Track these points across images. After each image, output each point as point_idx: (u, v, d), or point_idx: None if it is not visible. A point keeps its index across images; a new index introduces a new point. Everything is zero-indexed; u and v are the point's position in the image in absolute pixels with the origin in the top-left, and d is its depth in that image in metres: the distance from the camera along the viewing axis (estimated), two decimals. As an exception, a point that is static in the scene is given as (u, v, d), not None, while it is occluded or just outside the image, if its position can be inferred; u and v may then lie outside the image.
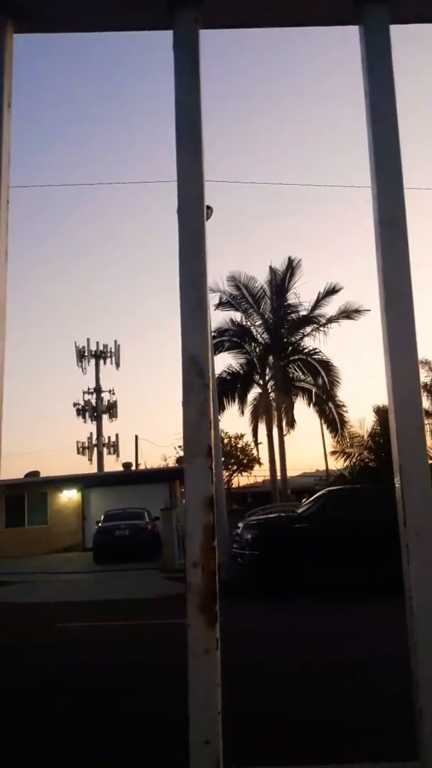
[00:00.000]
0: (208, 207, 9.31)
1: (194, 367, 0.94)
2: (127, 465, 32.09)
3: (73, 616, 10.08)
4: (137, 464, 34.52)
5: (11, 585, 14.72)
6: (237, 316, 25.16)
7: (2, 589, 13.89)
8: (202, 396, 0.93)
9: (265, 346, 25.17)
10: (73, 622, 9.50)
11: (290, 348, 25.34)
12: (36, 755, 4.07)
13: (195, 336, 0.95)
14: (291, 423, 25.04)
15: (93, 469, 33.53)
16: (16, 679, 5.79)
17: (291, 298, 25.09)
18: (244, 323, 25.24)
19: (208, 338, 1.01)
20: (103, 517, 21.19)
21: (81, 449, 35.28)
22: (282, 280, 25.07)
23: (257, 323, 25.25)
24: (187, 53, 1.04)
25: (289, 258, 25.08)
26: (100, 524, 20.59)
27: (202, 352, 0.95)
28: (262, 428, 25.40)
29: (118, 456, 35.35)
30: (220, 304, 24.75)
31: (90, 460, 34.91)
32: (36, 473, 27.37)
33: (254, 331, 25.35)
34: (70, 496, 25.91)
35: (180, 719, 0.90)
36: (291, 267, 24.89)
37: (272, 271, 25.15)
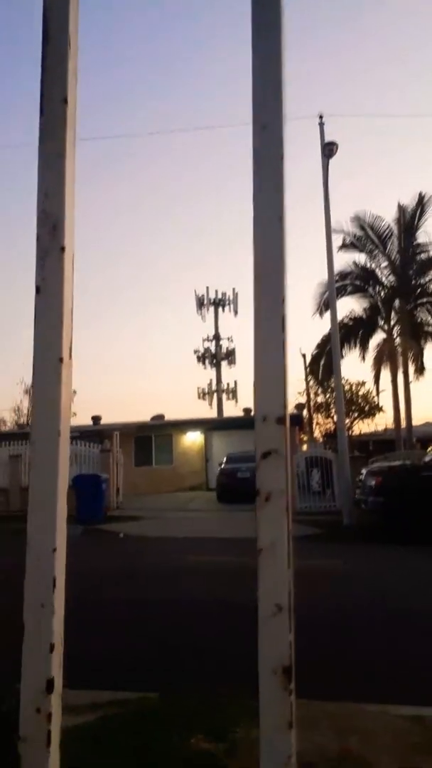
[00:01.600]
0: (333, 143, 8.83)
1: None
2: (247, 410, 32.64)
3: (200, 551, 10.65)
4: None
5: (143, 519, 15.76)
6: (361, 258, 24.22)
7: (135, 524, 14.93)
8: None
9: (390, 288, 24.11)
10: (199, 556, 10.05)
11: (419, 290, 24.08)
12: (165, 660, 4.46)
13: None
14: (420, 369, 24.07)
15: (213, 413, 34.52)
16: (157, 603, 6.32)
17: (421, 237, 23.67)
18: (368, 265, 24.27)
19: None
20: (225, 458, 21.89)
21: (201, 395, 36.39)
22: (411, 218, 23.65)
23: (383, 265, 24.18)
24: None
25: (420, 194, 23.54)
26: (222, 466, 21.32)
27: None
28: (385, 375, 24.69)
29: (236, 401, 36.06)
30: (343, 246, 23.90)
31: (210, 405, 35.96)
32: (161, 416, 28.68)
33: (379, 273, 24.32)
34: (193, 439, 26.94)
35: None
36: (421, 203, 23.37)
37: (401, 208, 23.77)
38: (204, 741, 3.18)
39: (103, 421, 26.57)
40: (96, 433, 22.21)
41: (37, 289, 0.99)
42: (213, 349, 36.72)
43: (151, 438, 26.50)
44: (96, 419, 27.00)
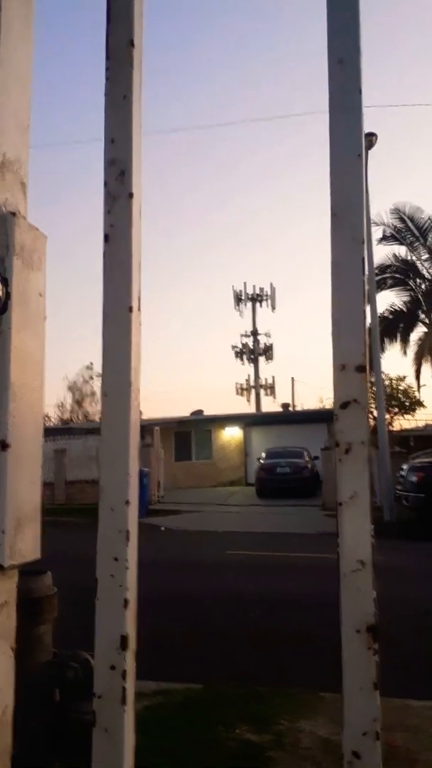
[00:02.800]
0: (372, 134, 8.68)
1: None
2: (285, 405, 32.53)
3: (241, 546, 10.63)
4: (294, 405, 34.85)
5: (183, 513, 15.85)
6: (401, 250, 23.76)
7: (175, 517, 15.03)
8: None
9: (431, 281, 23.61)
10: (240, 550, 10.03)
11: (461, 283, 23.53)
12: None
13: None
14: (464, 364, 23.52)
15: (251, 409, 34.50)
16: (197, 596, 6.33)
17: (462, 228, 23.09)
18: (408, 258, 23.79)
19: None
20: (264, 454, 21.81)
21: (240, 390, 36.41)
22: (452, 208, 23.09)
23: (423, 257, 23.66)
24: None
25: (461, 183, 22.97)
26: (262, 461, 21.26)
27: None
28: (426, 370, 24.19)
29: (275, 397, 35.98)
30: (383, 239, 23.49)
31: (248, 400, 35.95)
32: (200, 412, 28.77)
33: (420, 265, 23.81)
34: (232, 434, 26.94)
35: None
36: (463, 193, 22.83)
37: (441, 199, 23.25)
38: (249, 732, 3.15)
39: (143, 417, 26.82)
40: (136, 429, 22.38)
41: (106, 237, 0.96)
42: (251, 344, 36.68)
43: (190, 433, 26.60)
44: (135, 415, 27.21)
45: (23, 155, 0.99)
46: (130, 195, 0.96)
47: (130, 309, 0.95)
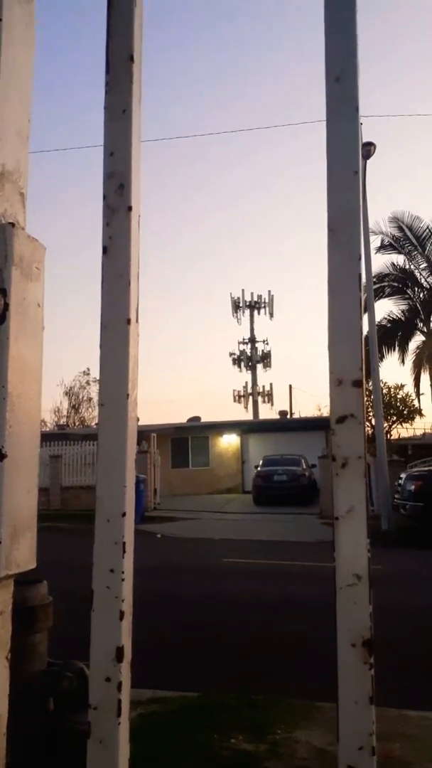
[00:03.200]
0: (370, 143, 8.74)
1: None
2: (283, 413, 32.51)
3: (237, 553, 10.60)
4: (291, 413, 34.86)
5: (180, 521, 15.81)
6: (399, 259, 23.83)
7: (172, 524, 14.99)
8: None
9: (429, 290, 23.66)
10: (237, 558, 10.00)
11: (459, 292, 23.59)
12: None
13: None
14: (460, 373, 23.55)
15: (248, 416, 34.49)
16: (192, 601, 6.31)
17: (460, 238, 23.16)
18: (406, 267, 23.86)
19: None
20: (261, 461, 21.79)
21: (237, 397, 36.42)
22: (451, 218, 23.19)
23: (422, 266, 23.73)
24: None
25: (459, 193, 23.09)
26: (259, 468, 21.23)
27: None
28: (425, 378, 24.22)
29: (272, 404, 35.98)
30: (382, 247, 23.56)
31: (246, 408, 35.97)
32: (197, 418, 28.75)
33: (418, 274, 23.88)
34: (229, 441, 26.92)
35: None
36: (461, 203, 22.94)
37: (439, 208, 23.36)
38: (245, 741, 3.14)
39: (140, 423, 26.77)
40: (133, 435, 22.34)
41: (104, 249, 0.97)
42: (248, 351, 36.71)
43: (187, 440, 26.57)
44: (132, 421, 27.17)
45: (22, 166, 1.00)
46: (129, 208, 0.97)
47: (128, 321, 0.95)
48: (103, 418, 0.94)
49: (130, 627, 0.90)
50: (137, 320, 0.97)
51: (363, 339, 0.90)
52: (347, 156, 0.90)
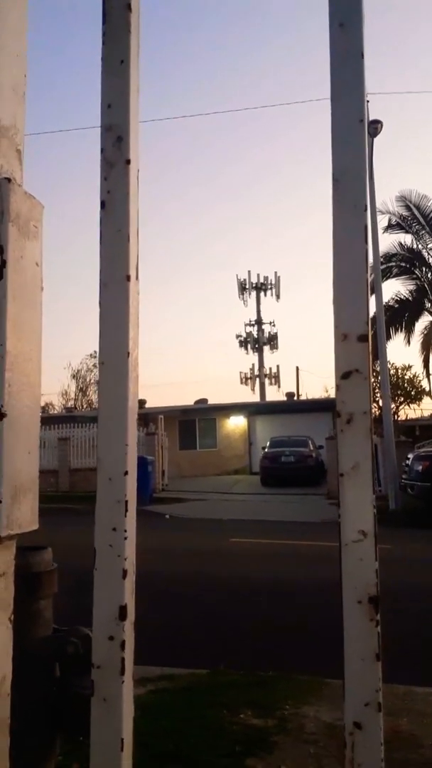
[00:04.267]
0: (377, 121, 8.62)
1: None
2: (290, 395, 32.49)
3: (245, 533, 10.66)
4: (298, 394, 34.84)
5: (188, 501, 15.90)
6: (407, 239, 23.58)
7: (180, 505, 15.08)
8: None
9: (437, 270, 23.46)
10: (244, 538, 10.06)
11: (468, 271, 23.35)
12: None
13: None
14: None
15: (255, 398, 34.50)
16: (199, 580, 6.36)
17: (469, 216, 22.87)
18: (414, 246, 23.61)
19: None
20: (269, 443, 21.82)
21: (244, 379, 36.37)
22: (459, 196, 22.87)
23: (429, 246, 23.49)
24: None
25: (468, 170, 22.75)
26: (266, 450, 21.27)
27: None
28: (432, 358, 24.09)
29: (279, 386, 35.95)
30: (389, 227, 23.29)
31: (252, 389, 35.95)
32: (204, 400, 28.78)
33: (426, 254, 23.63)
34: (237, 423, 26.96)
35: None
36: (470, 180, 22.62)
37: (448, 186, 23.05)
38: (253, 716, 3.16)
39: (147, 405, 26.82)
40: (140, 417, 22.42)
41: (102, 204, 0.94)
42: (255, 333, 36.61)
43: (195, 422, 26.63)
44: (141, 403, 27.27)
45: (19, 122, 0.97)
46: (128, 161, 0.94)
47: (128, 278, 0.93)
48: (104, 376, 0.92)
49: (133, 586, 0.89)
50: (137, 277, 0.95)
51: (368, 293, 0.88)
52: (352, 104, 0.87)
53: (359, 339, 0.86)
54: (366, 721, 0.77)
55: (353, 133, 0.88)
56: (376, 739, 0.78)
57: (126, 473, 0.88)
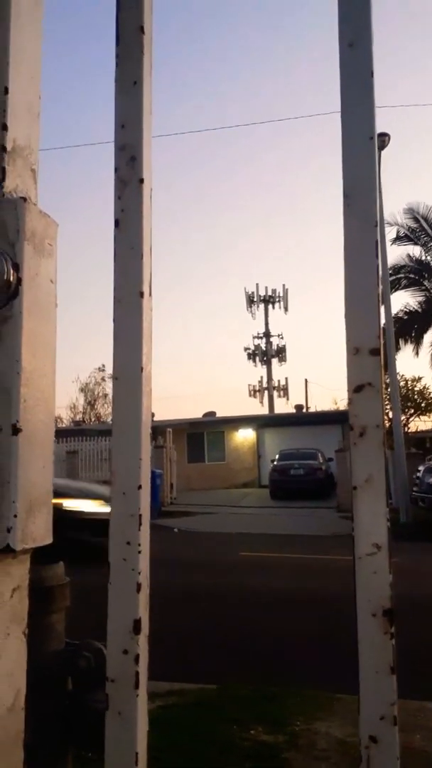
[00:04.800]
0: (385, 134, 8.72)
1: None
2: (299, 407, 32.47)
3: (254, 547, 10.61)
4: (307, 407, 34.78)
5: (196, 515, 15.85)
6: (415, 250, 23.62)
7: (188, 519, 15.03)
8: None
9: (446, 281, 23.45)
10: (254, 552, 10.01)
11: None
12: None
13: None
14: None
15: (264, 411, 34.48)
16: (208, 594, 6.33)
17: None
18: (423, 258, 23.65)
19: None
20: (278, 455, 21.77)
21: (252, 392, 36.41)
22: (467, 208, 22.92)
23: (438, 257, 23.51)
24: None
25: None
26: (275, 462, 21.21)
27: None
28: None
29: (288, 399, 35.94)
30: (397, 239, 23.36)
31: (261, 402, 35.96)
32: (213, 413, 28.79)
33: (434, 265, 23.65)
34: (245, 435, 26.93)
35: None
36: None
37: (455, 198, 23.11)
38: (264, 732, 3.13)
39: (155, 419, 26.86)
40: (149, 430, 22.38)
41: (116, 223, 0.96)
42: (263, 346, 36.69)
43: (203, 435, 26.63)
44: (149, 416, 27.25)
45: (33, 142, 0.99)
46: (141, 180, 0.96)
47: (141, 294, 0.95)
48: (117, 392, 0.93)
49: (147, 600, 0.89)
50: (150, 294, 0.97)
51: (379, 306, 0.89)
52: (362, 121, 0.89)
53: (371, 353, 0.87)
54: (382, 735, 0.77)
55: (363, 150, 0.89)
56: (392, 753, 0.78)
57: (140, 487, 0.89)
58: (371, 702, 0.77)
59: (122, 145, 0.96)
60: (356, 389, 0.87)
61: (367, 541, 0.81)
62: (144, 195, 0.95)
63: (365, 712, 0.78)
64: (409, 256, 23.62)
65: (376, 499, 0.82)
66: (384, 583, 0.80)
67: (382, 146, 14.72)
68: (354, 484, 0.84)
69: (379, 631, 0.78)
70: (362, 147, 0.88)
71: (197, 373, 57.61)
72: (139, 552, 0.86)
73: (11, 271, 0.89)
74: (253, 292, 36.62)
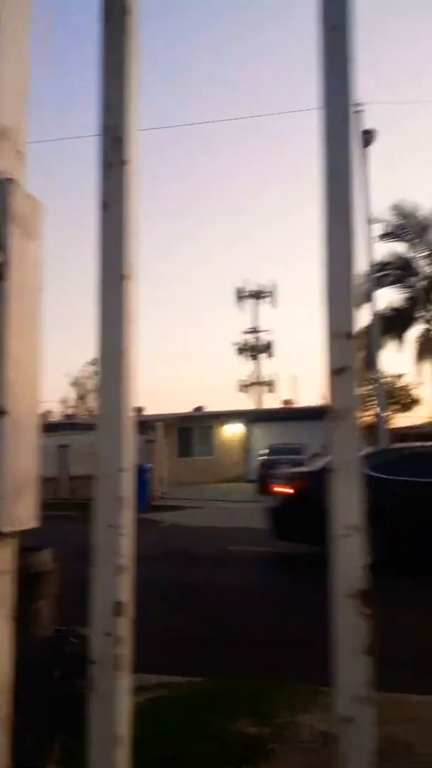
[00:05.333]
0: (371, 131, 8.67)
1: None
2: (287, 402, 32.53)
3: (242, 541, 10.63)
4: (296, 402, 34.87)
5: (185, 509, 15.85)
6: (401, 247, 23.71)
7: (178, 513, 15.03)
8: None
9: (430, 279, 23.55)
10: (242, 545, 10.03)
11: (460, 280, 23.45)
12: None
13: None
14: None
15: (253, 406, 34.52)
16: (197, 587, 6.35)
17: (462, 226, 22.99)
18: (408, 255, 23.74)
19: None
20: (267, 450, 21.81)
21: (241, 387, 36.44)
22: (453, 205, 23.00)
23: (423, 254, 23.61)
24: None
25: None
26: (263, 457, 21.25)
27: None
28: (426, 367, 24.16)
29: (276, 394, 36.02)
30: (384, 235, 23.43)
31: (250, 397, 36.00)
32: (202, 408, 28.79)
33: (419, 262, 23.76)
34: (234, 430, 26.96)
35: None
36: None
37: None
38: (250, 725, 3.15)
39: (145, 413, 26.78)
40: (139, 424, 22.36)
41: (100, 204, 0.96)
42: (252, 341, 36.73)
43: (192, 429, 26.62)
44: (138, 410, 27.17)
45: (21, 124, 0.99)
46: (126, 162, 0.96)
47: (126, 277, 0.95)
48: (102, 374, 0.93)
49: (130, 582, 0.90)
50: (135, 277, 0.97)
51: (354, 293, 0.90)
52: (341, 107, 0.89)
53: (347, 337, 0.88)
54: (357, 714, 0.78)
55: (341, 133, 0.90)
56: (368, 733, 0.79)
57: (122, 470, 0.89)
58: (347, 682, 0.78)
59: (106, 126, 0.96)
60: (335, 372, 0.88)
61: (342, 523, 0.82)
62: (129, 177, 0.95)
63: (341, 693, 0.78)
64: (395, 253, 23.74)
65: (353, 482, 0.83)
66: (359, 565, 0.81)
67: (368, 142, 14.68)
68: (331, 467, 0.85)
69: (354, 612, 0.79)
70: (339, 130, 0.88)
71: (187, 368, 57.65)
72: (122, 535, 0.87)
73: (-3, 254, 0.89)
74: (242, 288, 36.66)
